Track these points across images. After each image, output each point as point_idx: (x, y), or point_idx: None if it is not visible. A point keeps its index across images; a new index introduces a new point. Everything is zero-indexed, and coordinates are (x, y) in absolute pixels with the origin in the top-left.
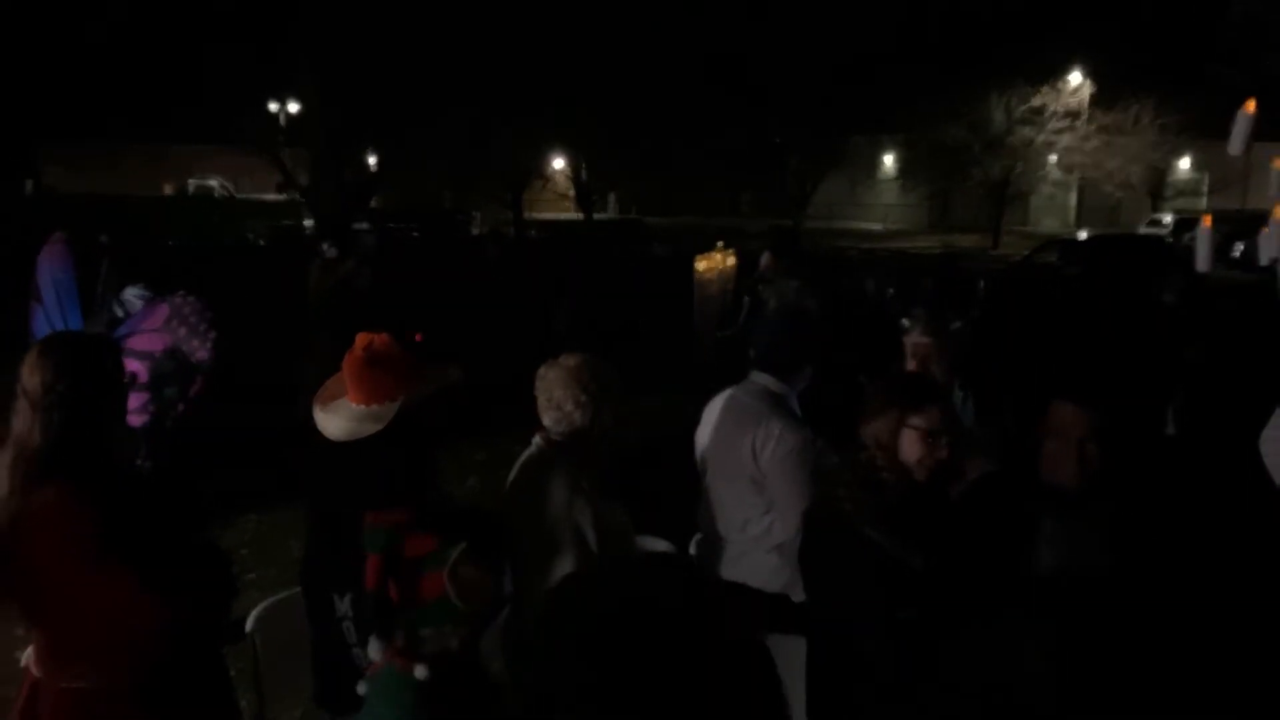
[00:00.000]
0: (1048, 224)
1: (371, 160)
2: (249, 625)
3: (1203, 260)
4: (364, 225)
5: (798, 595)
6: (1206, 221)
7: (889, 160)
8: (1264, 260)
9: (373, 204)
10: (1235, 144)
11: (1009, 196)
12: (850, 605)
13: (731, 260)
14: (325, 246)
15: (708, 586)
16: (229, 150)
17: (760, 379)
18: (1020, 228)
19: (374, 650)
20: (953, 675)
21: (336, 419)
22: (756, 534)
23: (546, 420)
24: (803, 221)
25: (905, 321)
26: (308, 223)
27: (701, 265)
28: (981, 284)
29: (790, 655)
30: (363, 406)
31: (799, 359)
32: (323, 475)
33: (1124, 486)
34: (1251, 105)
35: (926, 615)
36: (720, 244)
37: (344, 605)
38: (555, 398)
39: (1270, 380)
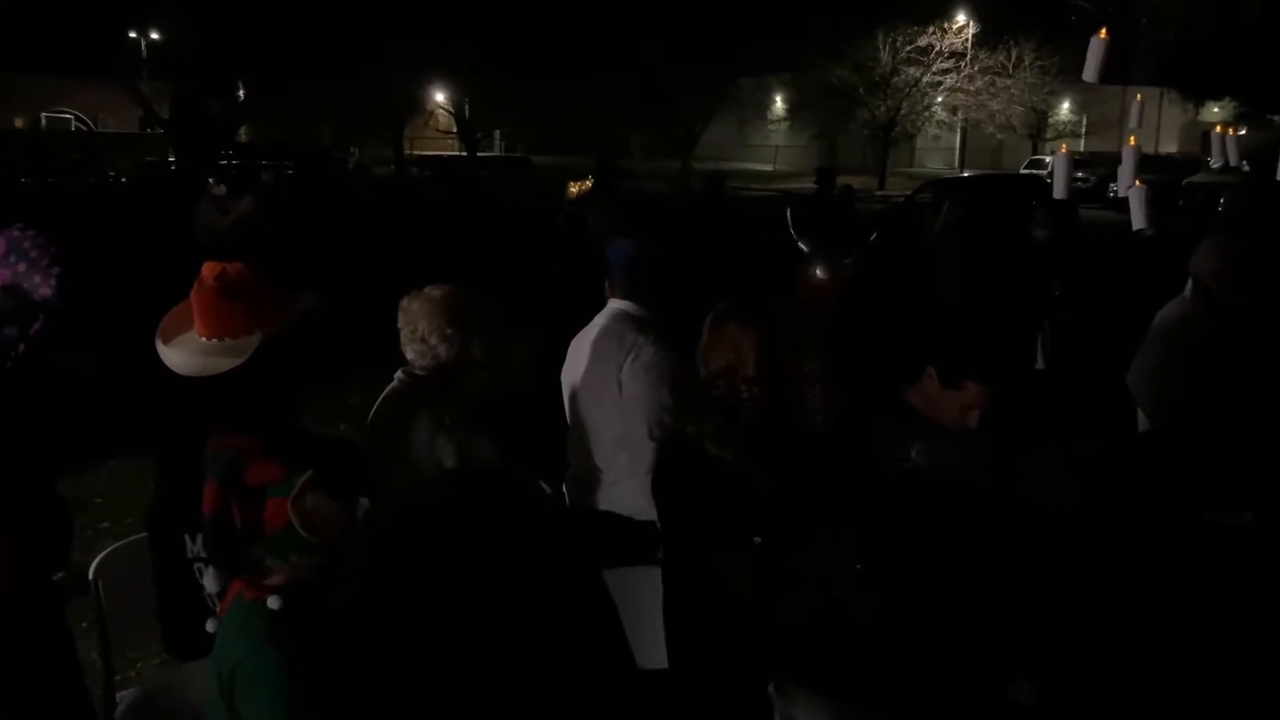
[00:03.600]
0: (932, 165)
1: (240, 94)
2: (91, 573)
3: (1060, 188)
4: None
5: None
6: (1064, 149)
7: (778, 102)
8: (1121, 191)
9: (242, 138)
10: (1089, 71)
11: (895, 138)
12: (703, 529)
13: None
14: (212, 183)
15: (545, 505)
16: (88, 83)
17: (621, 305)
18: (906, 169)
19: (209, 580)
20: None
21: (183, 353)
22: (629, 461)
23: (410, 354)
24: (691, 163)
25: (803, 245)
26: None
27: (573, 189)
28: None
29: (653, 585)
30: (214, 340)
31: (658, 284)
32: (171, 412)
33: (997, 423)
34: (1104, 33)
35: (777, 536)
36: (589, 176)
37: (195, 546)
38: (419, 330)
39: (1137, 319)
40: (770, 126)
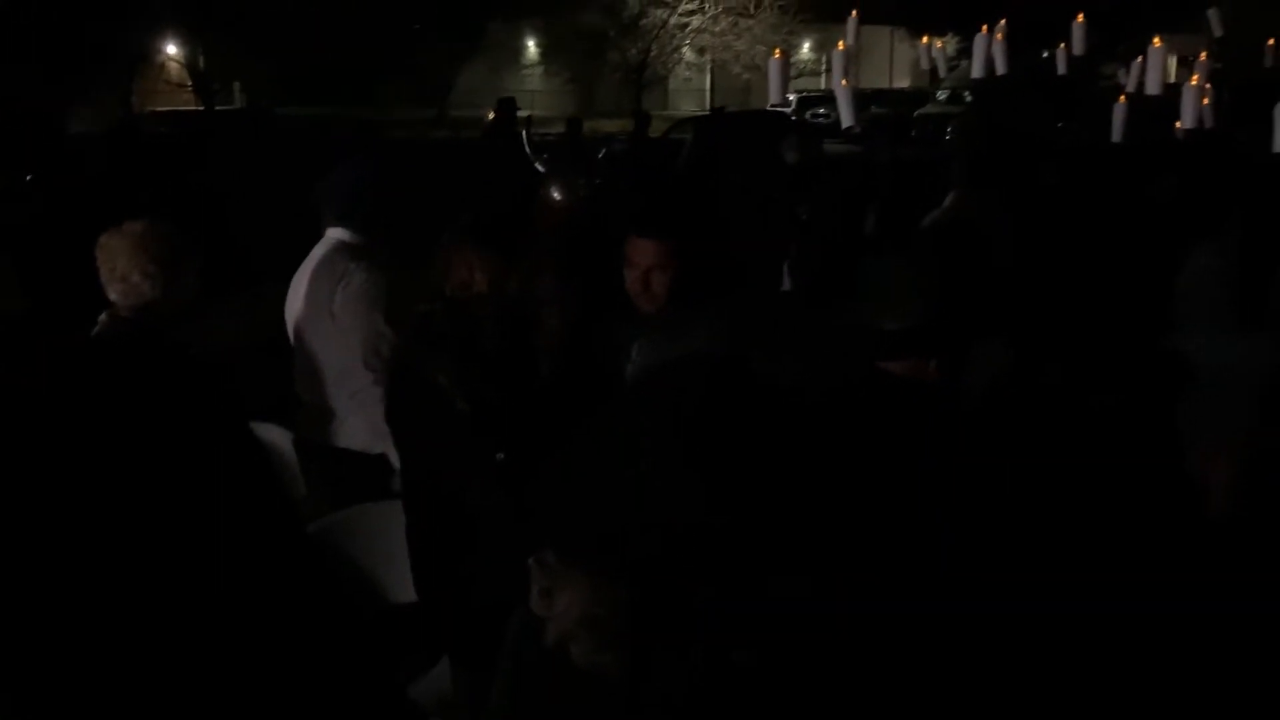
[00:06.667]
0: (686, 107)
1: None
2: None
3: (775, 91)
4: None
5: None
6: (776, 53)
7: (531, 46)
8: (838, 95)
9: None
10: None
11: (647, 80)
12: (441, 458)
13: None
14: None
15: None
16: None
17: (335, 234)
18: (661, 112)
19: None
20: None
21: None
22: (351, 394)
23: (112, 294)
24: (447, 110)
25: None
26: None
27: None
28: (602, 153)
29: (392, 519)
30: None
31: (370, 210)
32: None
33: (709, 310)
34: None
35: (519, 452)
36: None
37: None
38: (118, 268)
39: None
40: (524, 72)
